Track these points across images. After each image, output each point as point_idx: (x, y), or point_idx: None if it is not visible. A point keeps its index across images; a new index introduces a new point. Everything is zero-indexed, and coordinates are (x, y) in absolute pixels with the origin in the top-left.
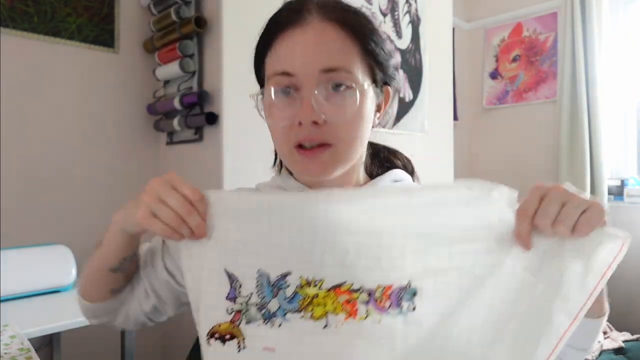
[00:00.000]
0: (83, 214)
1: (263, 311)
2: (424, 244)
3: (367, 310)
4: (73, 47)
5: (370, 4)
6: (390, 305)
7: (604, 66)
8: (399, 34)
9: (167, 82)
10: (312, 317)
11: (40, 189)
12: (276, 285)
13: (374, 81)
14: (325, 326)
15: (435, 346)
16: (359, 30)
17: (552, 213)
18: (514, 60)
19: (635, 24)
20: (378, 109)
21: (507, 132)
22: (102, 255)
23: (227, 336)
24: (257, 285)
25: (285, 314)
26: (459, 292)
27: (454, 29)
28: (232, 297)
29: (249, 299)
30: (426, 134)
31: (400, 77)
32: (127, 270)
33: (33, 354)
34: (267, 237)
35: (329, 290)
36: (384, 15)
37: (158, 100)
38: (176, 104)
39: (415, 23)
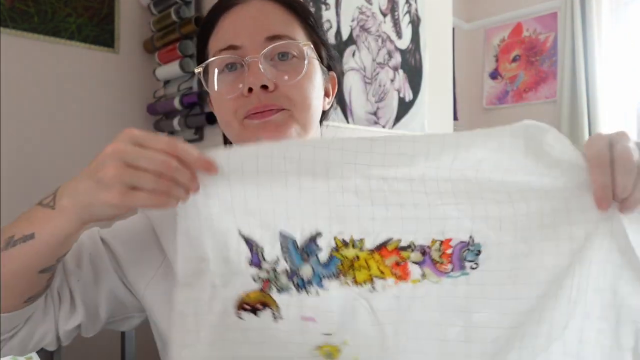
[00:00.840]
0: None
1: (295, 279)
2: (479, 188)
3: (423, 273)
4: (73, 47)
5: (370, 4)
6: (452, 269)
7: (604, 66)
8: (399, 34)
9: (167, 82)
10: (354, 282)
11: (41, 188)
12: (306, 251)
13: (320, 58)
14: (372, 291)
15: (503, 306)
16: (298, 7)
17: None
18: (514, 60)
19: (635, 24)
20: (326, 93)
21: None
22: (31, 251)
23: (259, 305)
24: (282, 251)
25: (321, 281)
26: (526, 246)
27: (454, 29)
28: (256, 263)
29: (276, 265)
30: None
31: (401, 77)
32: (54, 271)
33: (33, 353)
34: (281, 192)
35: (372, 250)
36: (384, 15)
37: (158, 100)
38: (176, 104)
39: (415, 23)
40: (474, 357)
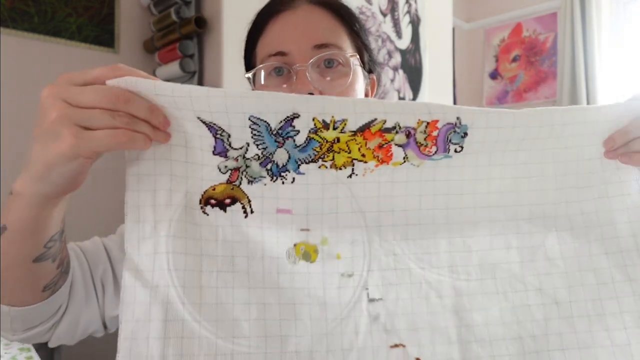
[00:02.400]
0: (83, 213)
1: (268, 165)
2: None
3: (405, 156)
4: (73, 47)
5: (370, 4)
6: (436, 151)
7: (604, 66)
8: (399, 34)
9: None
10: (333, 166)
11: None
12: (281, 134)
13: (363, 63)
14: (351, 175)
15: (480, 190)
16: (344, 13)
17: None
18: (514, 60)
19: (635, 24)
20: (366, 94)
21: None
22: (9, 243)
23: (228, 200)
24: (253, 135)
25: (298, 167)
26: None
27: (454, 29)
28: (220, 152)
29: (246, 151)
30: None
31: (401, 77)
32: (58, 254)
33: (33, 353)
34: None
35: (354, 132)
36: (384, 15)
37: None
38: None
39: (415, 23)
40: (454, 233)
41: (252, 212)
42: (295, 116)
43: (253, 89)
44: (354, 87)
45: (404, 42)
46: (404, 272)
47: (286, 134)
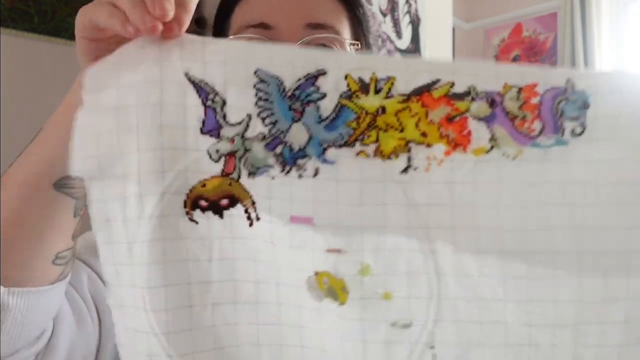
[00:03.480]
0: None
1: (278, 148)
2: None
3: (493, 136)
4: (73, 47)
5: (370, 4)
6: (542, 130)
7: (604, 66)
8: (399, 34)
9: None
10: (377, 153)
11: None
12: (298, 97)
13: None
14: (407, 168)
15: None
16: None
17: None
18: (514, 60)
19: (635, 24)
20: None
21: None
22: (39, 148)
23: (224, 200)
24: (258, 100)
25: (324, 152)
26: None
27: (454, 29)
28: (212, 128)
29: (246, 127)
30: None
31: None
32: (81, 200)
33: None
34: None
35: (407, 96)
36: (384, 15)
37: None
38: None
39: (415, 23)
40: (586, 271)
41: (258, 218)
42: (321, 72)
43: None
44: None
45: (404, 42)
46: (496, 327)
47: (306, 96)
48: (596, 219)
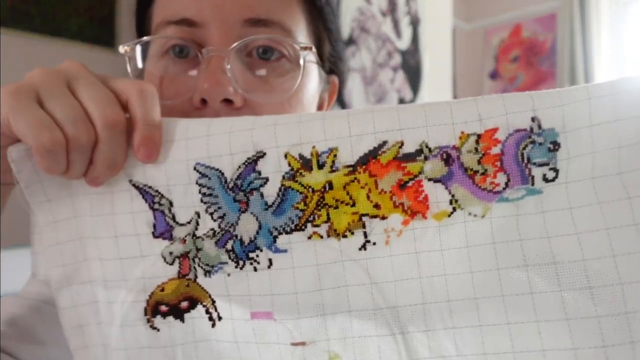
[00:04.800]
0: None
1: (228, 244)
2: None
3: (453, 198)
4: (74, 47)
5: (370, 4)
6: (508, 182)
7: (603, 67)
8: (398, 35)
9: None
10: (331, 232)
11: None
12: (241, 187)
13: (321, 57)
14: (364, 244)
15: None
16: None
17: None
18: (514, 60)
19: (634, 25)
20: (320, 106)
21: None
22: None
23: (184, 303)
24: (202, 196)
25: (274, 240)
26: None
27: (454, 29)
28: (164, 231)
29: (196, 226)
30: None
31: (401, 77)
32: None
33: None
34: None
35: (353, 167)
36: (384, 15)
37: None
38: None
39: (415, 23)
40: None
41: (220, 318)
42: (260, 155)
43: (137, 69)
44: (300, 97)
45: (404, 43)
46: None
47: (248, 185)
48: (586, 278)
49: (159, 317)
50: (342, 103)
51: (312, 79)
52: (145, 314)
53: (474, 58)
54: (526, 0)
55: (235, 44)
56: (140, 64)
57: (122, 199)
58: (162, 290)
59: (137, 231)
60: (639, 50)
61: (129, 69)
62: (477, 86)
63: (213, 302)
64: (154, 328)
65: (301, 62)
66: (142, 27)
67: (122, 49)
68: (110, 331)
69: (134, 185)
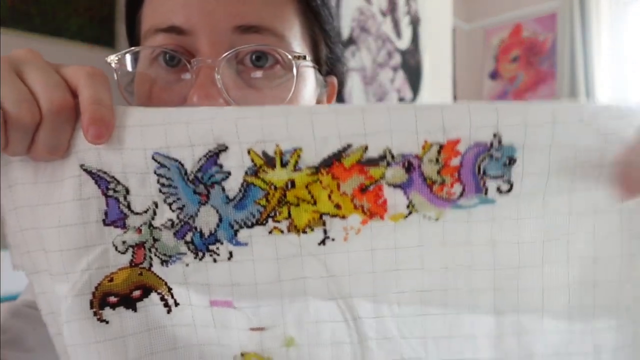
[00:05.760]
0: None
1: (187, 235)
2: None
3: (410, 203)
4: (74, 48)
5: (370, 4)
6: (462, 192)
7: (603, 67)
8: (398, 35)
9: None
10: (291, 228)
11: None
12: (201, 180)
13: (317, 61)
14: (324, 240)
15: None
16: None
17: None
18: (514, 60)
19: (634, 25)
20: None
21: None
22: None
23: (137, 292)
24: (161, 187)
25: (235, 234)
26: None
27: (454, 29)
28: (116, 219)
29: (153, 215)
30: None
31: (401, 77)
32: None
33: None
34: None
35: (316, 169)
36: (384, 15)
37: None
38: None
39: (415, 23)
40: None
41: (176, 304)
42: (222, 148)
43: (125, 78)
44: (297, 104)
45: (404, 43)
46: None
47: (209, 178)
48: (520, 280)
49: (107, 308)
50: (342, 102)
51: (308, 84)
52: (92, 307)
53: (474, 58)
54: (526, 0)
55: (225, 54)
56: (130, 70)
57: (69, 186)
58: (111, 280)
59: (83, 219)
60: (639, 50)
61: (115, 77)
62: (477, 86)
63: (169, 289)
64: (102, 321)
65: (294, 72)
66: (132, 31)
67: (109, 59)
68: (61, 326)
69: (85, 170)
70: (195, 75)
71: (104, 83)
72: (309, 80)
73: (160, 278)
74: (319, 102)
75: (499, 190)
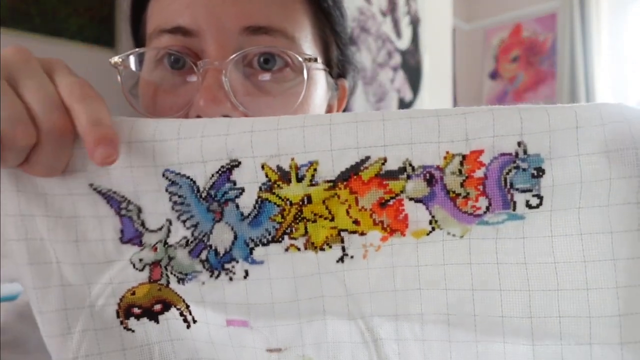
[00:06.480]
0: None
1: (202, 254)
2: None
3: (433, 218)
4: (74, 48)
5: (370, 4)
6: (489, 207)
7: (603, 67)
8: (398, 35)
9: None
10: (309, 245)
11: None
12: (215, 197)
13: (328, 63)
14: (342, 257)
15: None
16: None
17: None
18: (514, 60)
19: (634, 25)
20: (329, 110)
21: None
22: None
23: (158, 306)
24: (174, 204)
25: (251, 252)
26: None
27: (454, 29)
28: (133, 237)
29: (168, 233)
30: None
31: (401, 77)
32: None
33: None
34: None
35: (334, 182)
36: (384, 15)
37: None
38: None
39: (415, 23)
40: None
41: (195, 321)
42: (234, 164)
43: (130, 80)
44: (307, 108)
45: (404, 43)
46: None
47: (223, 195)
48: (561, 305)
49: (132, 319)
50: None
51: (319, 88)
52: (118, 317)
53: (474, 58)
54: (526, 0)
55: (232, 56)
56: (134, 72)
57: (85, 202)
58: (133, 294)
59: (103, 236)
60: (639, 50)
61: (119, 79)
62: (477, 86)
63: (187, 306)
64: (128, 329)
65: (305, 75)
66: (137, 31)
67: (113, 61)
68: (72, 340)
69: (95, 189)
70: (202, 78)
71: (99, 102)
72: (320, 83)
73: (179, 295)
74: (329, 106)
75: (528, 204)
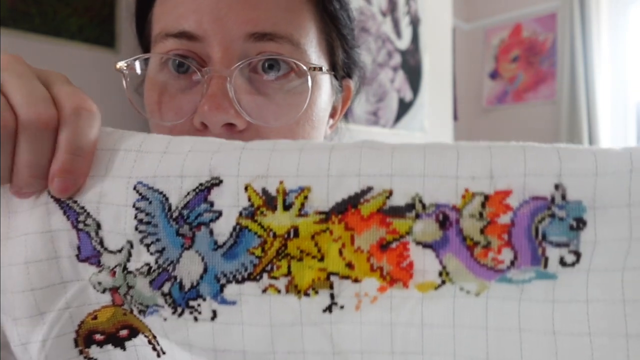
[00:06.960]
0: None
1: (165, 286)
2: None
3: (444, 270)
4: (74, 48)
5: (370, 4)
6: (514, 261)
7: (603, 67)
8: (399, 35)
9: None
10: (291, 288)
11: None
12: (187, 219)
13: (333, 66)
14: (330, 306)
15: None
16: None
17: None
18: (514, 60)
19: (634, 25)
20: (333, 112)
21: (507, 132)
22: None
23: (124, 332)
24: (137, 223)
25: (221, 289)
26: None
27: (453, 29)
28: (89, 256)
29: (128, 257)
30: (426, 133)
31: (401, 77)
32: None
33: None
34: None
35: (327, 214)
36: (384, 15)
37: None
38: None
39: (415, 23)
40: None
41: (164, 352)
42: (215, 182)
43: (133, 84)
44: (311, 114)
45: (404, 43)
46: None
47: (196, 217)
48: None
49: (94, 346)
50: None
51: (323, 92)
52: (77, 346)
53: (474, 58)
54: (526, 0)
55: (237, 64)
56: (140, 73)
57: (36, 215)
58: (95, 318)
59: (56, 253)
60: (639, 50)
61: (124, 85)
62: (477, 86)
63: (154, 336)
64: (90, 359)
65: (309, 83)
66: (142, 31)
67: (119, 65)
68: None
69: (52, 197)
70: (207, 84)
71: (91, 122)
72: (324, 87)
73: (144, 323)
74: (334, 108)
75: (562, 262)
